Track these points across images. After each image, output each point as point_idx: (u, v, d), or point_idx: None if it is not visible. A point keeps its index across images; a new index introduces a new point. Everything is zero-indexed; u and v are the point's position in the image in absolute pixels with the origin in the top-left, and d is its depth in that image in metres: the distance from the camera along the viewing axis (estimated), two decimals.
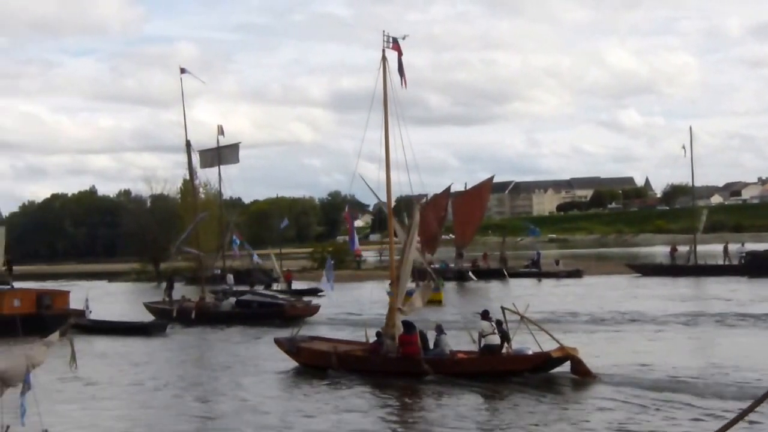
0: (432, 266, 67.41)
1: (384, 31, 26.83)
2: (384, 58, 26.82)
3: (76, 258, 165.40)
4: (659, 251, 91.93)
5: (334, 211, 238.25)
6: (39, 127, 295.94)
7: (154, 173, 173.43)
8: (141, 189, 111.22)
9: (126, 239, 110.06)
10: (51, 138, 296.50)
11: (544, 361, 22.97)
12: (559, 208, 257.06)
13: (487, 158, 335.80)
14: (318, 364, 25.43)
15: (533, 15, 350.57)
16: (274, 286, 58.47)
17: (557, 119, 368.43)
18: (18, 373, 12.69)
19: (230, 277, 59.17)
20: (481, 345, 23.78)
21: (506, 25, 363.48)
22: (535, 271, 68.12)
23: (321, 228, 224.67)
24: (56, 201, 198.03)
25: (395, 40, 26.88)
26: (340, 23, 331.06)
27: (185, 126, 50.58)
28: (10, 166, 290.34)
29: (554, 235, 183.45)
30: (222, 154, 63.35)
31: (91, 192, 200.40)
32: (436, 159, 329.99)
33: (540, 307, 38.59)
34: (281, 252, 78.13)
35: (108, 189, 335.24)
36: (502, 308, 24.23)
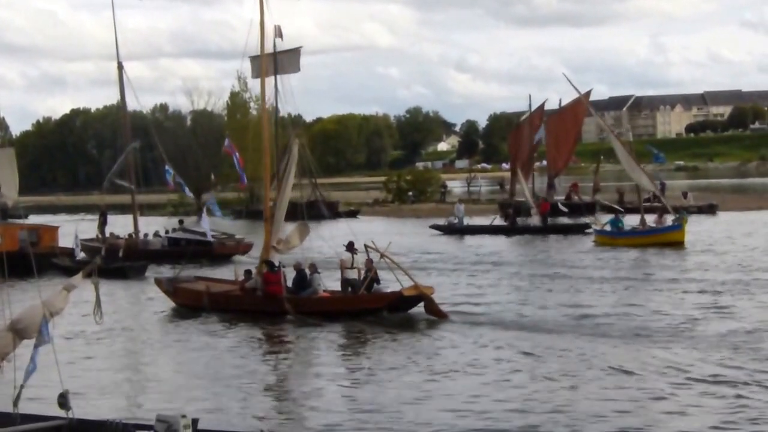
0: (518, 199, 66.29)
1: None
2: None
3: (102, 187, 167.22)
4: None
5: (414, 131, 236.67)
6: (57, 28, 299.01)
7: (197, 84, 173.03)
8: (180, 103, 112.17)
9: (161, 165, 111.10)
10: (71, 41, 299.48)
11: (398, 300, 27.01)
12: (689, 128, 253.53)
13: (602, 67, 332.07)
14: (192, 304, 29.84)
15: None
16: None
17: (691, 19, 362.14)
18: (33, 323, 12.90)
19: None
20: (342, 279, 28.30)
21: None
22: (658, 205, 67.11)
23: (398, 152, 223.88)
24: (78, 118, 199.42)
25: None
26: None
27: (116, 38, 51.09)
28: (22, 75, 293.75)
29: (682, 162, 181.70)
30: (279, 62, 63.07)
31: (120, 107, 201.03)
32: (541, 68, 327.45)
33: None
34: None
35: (140, 103, 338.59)
36: (366, 246, 28.16)
